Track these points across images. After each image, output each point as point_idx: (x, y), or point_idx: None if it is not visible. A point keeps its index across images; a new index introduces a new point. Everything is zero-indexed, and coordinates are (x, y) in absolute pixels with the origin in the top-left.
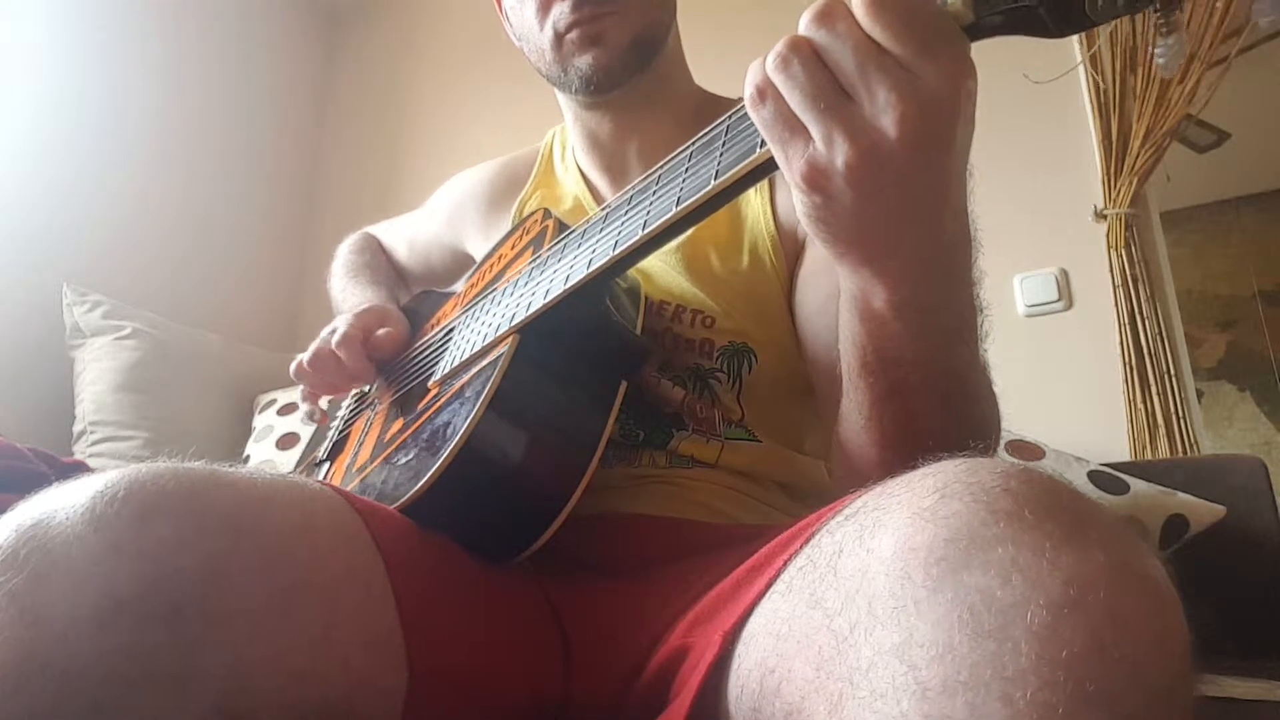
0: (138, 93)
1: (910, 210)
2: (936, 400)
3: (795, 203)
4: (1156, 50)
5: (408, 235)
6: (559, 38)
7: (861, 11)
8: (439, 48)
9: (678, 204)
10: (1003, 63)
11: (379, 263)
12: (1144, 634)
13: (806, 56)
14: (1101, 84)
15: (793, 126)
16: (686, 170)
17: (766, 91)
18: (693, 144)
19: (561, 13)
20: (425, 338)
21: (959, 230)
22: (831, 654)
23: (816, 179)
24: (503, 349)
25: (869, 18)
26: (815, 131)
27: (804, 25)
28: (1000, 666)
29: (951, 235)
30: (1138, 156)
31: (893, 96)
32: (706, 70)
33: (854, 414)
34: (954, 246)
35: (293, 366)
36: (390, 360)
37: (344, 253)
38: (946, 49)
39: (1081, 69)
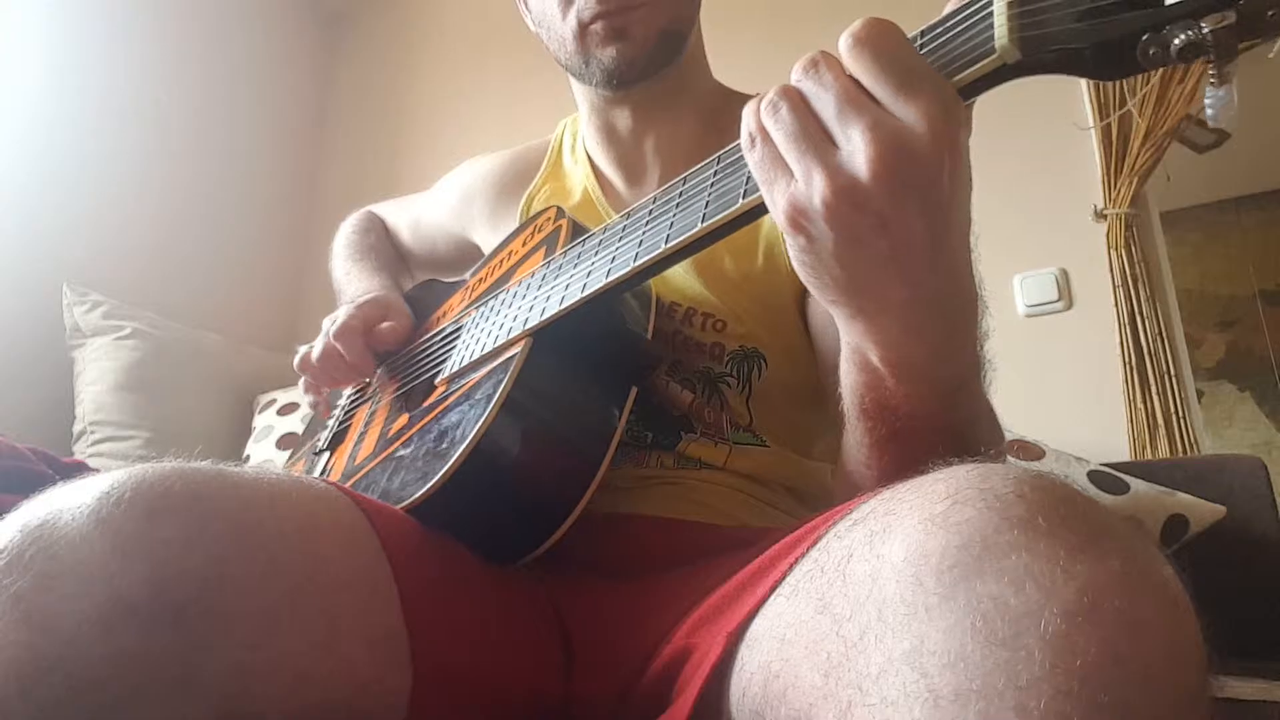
0: (137, 92)
1: (895, 263)
2: (937, 448)
3: (788, 249)
4: (1206, 101)
5: (413, 217)
6: (583, 28)
7: (844, 49)
8: (439, 48)
9: (703, 220)
10: None
11: (383, 245)
12: (1159, 643)
13: (794, 102)
14: (1102, 84)
15: (779, 167)
16: (713, 185)
17: (757, 136)
18: (718, 157)
19: (587, 3)
20: (431, 332)
21: (957, 294)
22: (840, 660)
23: (797, 219)
24: (515, 352)
25: (850, 54)
26: (797, 171)
27: (794, 75)
28: (1014, 675)
29: (949, 298)
30: (1138, 156)
31: (867, 136)
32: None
33: (854, 450)
34: (952, 310)
35: (297, 359)
36: (393, 353)
37: (347, 231)
38: (926, 92)
39: None
